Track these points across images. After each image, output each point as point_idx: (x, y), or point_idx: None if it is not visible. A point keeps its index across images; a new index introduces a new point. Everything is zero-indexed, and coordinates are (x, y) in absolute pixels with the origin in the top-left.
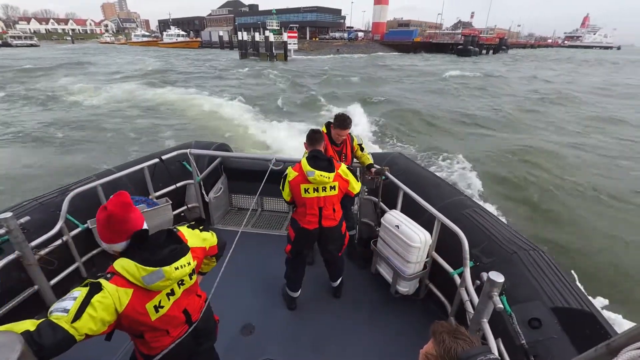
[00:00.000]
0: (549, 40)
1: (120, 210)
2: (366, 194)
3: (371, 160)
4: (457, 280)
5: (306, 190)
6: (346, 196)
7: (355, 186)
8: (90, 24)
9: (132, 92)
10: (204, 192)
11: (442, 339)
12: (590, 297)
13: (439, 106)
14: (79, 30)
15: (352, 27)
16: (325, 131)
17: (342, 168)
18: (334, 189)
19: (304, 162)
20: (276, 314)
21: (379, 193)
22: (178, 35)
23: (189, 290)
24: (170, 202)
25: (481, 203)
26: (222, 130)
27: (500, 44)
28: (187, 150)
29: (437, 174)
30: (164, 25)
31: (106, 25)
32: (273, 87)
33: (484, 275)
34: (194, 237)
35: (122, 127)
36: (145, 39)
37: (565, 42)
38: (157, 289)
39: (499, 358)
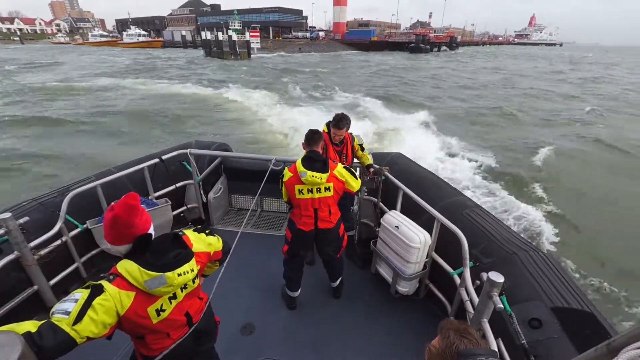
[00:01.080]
0: (500, 38)
1: (125, 213)
2: (366, 194)
3: (371, 161)
4: (457, 280)
5: (300, 191)
6: (346, 196)
7: (354, 184)
8: (40, 24)
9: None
10: (204, 193)
11: (448, 334)
12: (590, 297)
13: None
14: (27, 30)
15: (315, 27)
16: (326, 131)
17: (338, 169)
18: (329, 190)
19: (298, 163)
20: (276, 314)
21: (379, 193)
22: (139, 35)
23: (191, 294)
24: (170, 202)
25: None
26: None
27: (450, 42)
28: (187, 150)
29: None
30: (122, 24)
31: (58, 25)
32: (236, 76)
33: (484, 275)
34: (199, 242)
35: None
36: (103, 39)
37: (515, 39)
38: (159, 294)
39: None
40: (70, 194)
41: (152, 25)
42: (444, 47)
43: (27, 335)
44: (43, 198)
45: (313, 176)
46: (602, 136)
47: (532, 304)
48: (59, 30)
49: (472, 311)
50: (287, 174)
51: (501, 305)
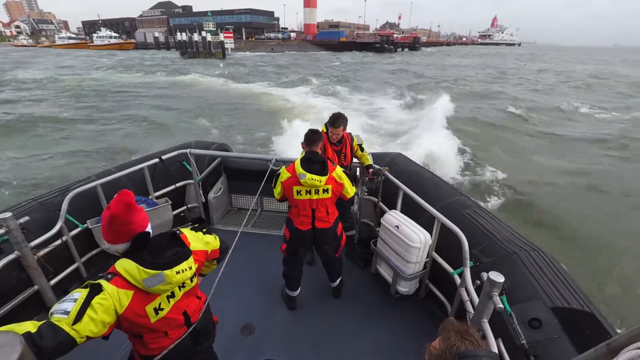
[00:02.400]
0: (464, 39)
1: (122, 212)
2: (366, 194)
3: (370, 161)
4: (457, 280)
5: (298, 192)
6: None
7: (350, 190)
8: None
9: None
10: (204, 192)
11: (449, 336)
12: (590, 297)
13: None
14: None
15: (287, 28)
16: (324, 131)
17: (337, 171)
18: (327, 192)
19: (297, 164)
20: (276, 314)
21: (379, 193)
22: (110, 37)
23: (189, 293)
24: (170, 202)
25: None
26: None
27: (413, 43)
28: (187, 150)
29: (431, 171)
30: (89, 26)
31: (18, 27)
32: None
33: (484, 275)
34: (196, 240)
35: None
36: (72, 41)
37: (479, 40)
38: (158, 292)
39: None
40: (71, 194)
41: (122, 27)
42: (404, 48)
43: (27, 336)
44: (43, 198)
45: (312, 179)
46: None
47: (532, 303)
48: (20, 33)
49: (472, 311)
50: (285, 174)
51: (501, 305)
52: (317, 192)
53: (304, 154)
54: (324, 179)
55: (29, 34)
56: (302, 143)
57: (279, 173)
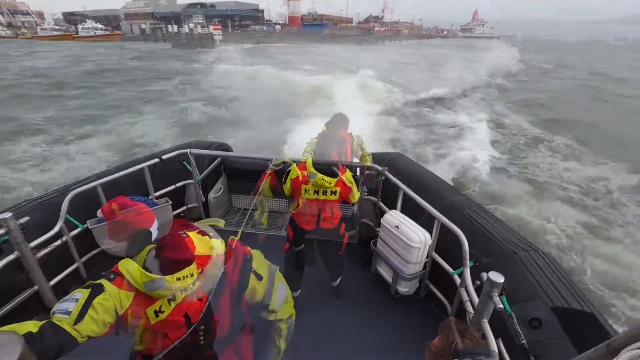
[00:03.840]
0: (445, 32)
1: (108, 214)
2: (366, 194)
3: (370, 162)
4: (457, 280)
5: (307, 191)
6: None
7: (355, 195)
8: None
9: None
10: (204, 192)
11: (449, 334)
12: (590, 297)
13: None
14: None
15: (271, 20)
16: (325, 130)
17: (347, 175)
18: (335, 194)
19: (309, 164)
20: None
21: (379, 193)
22: (96, 29)
23: (190, 295)
24: (170, 202)
25: None
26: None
27: (394, 35)
28: (187, 150)
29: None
30: (70, 17)
31: None
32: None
33: (484, 275)
34: (202, 245)
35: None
36: (56, 32)
37: (460, 33)
38: (158, 296)
39: None
40: (71, 194)
41: (105, 18)
42: (384, 40)
43: (29, 336)
44: (43, 198)
45: (322, 179)
46: None
47: (532, 303)
48: None
49: (472, 311)
50: (296, 172)
51: (501, 305)
52: (325, 192)
53: (308, 151)
54: (334, 180)
55: (5, 25)
56: (316, 142)
57: (290, 170)
